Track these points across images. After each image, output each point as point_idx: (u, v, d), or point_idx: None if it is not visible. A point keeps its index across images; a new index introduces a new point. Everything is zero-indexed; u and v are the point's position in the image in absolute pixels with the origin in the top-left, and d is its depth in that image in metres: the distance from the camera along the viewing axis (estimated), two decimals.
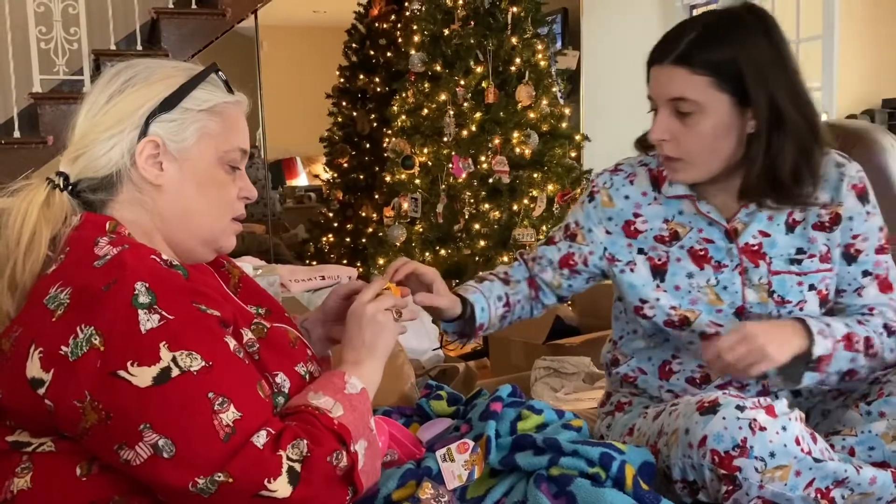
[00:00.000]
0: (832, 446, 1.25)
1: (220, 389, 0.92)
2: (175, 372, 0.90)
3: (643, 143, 1.48)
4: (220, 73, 1.11)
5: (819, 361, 1.29)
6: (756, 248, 1.39)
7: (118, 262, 0.93)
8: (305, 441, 0.94)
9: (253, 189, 1.13)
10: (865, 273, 1.39)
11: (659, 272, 1.43)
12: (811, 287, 1.38)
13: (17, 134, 3.98)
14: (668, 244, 1.42)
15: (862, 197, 1.38)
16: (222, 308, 1.00)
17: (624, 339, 1.56)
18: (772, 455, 1.11)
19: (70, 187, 1.04)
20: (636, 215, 1.45)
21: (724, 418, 1.13)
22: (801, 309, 1.38)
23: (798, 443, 1.13)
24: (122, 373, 0.88)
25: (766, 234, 1.39)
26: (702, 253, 1.41)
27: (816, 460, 1.13)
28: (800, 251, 1.38)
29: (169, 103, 1.04)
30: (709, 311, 1.39)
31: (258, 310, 1.18)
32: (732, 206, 1.40)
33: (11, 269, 1.00)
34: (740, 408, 1.13)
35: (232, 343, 0.98)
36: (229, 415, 0.91)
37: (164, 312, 0.91)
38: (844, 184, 1.37)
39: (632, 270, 1.44)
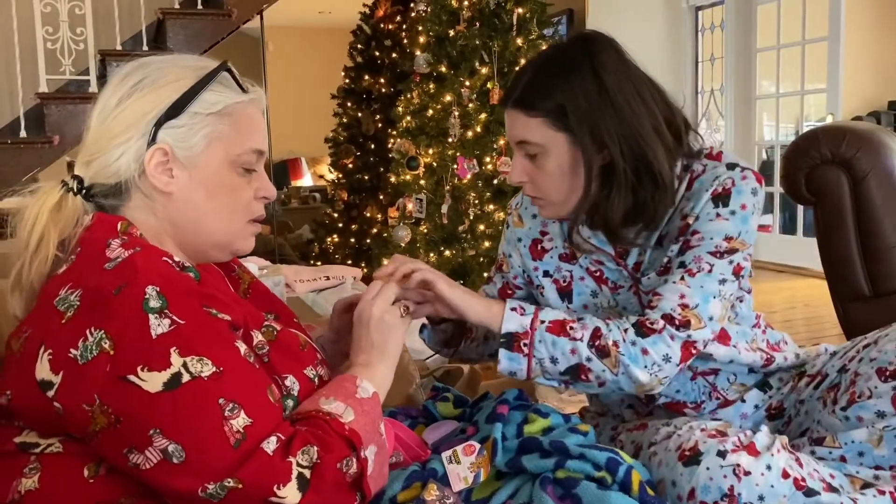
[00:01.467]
0: (821, 459, 1.24)
1: (231, 395, 0.91)
2: (185, 377, 0.89)
3: None
4: (230, 70, 1.08)
5: (513, 339, 1.23)
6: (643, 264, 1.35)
7: (129, 265, 0.93)
8: (315, 447, 0.94)
9: (271, 188, 1.11)
10: (681, 264, 1.27)
11: (566, 294, 1.42)
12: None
13: (23, 134, 3.99)
14: (570, 262, 1.41)
15: (718, 199, 1.27)
16: (233, 311, 1.00)
17: None
18: (761, 498, 1.10)
19: (84, 191, 1.04)
20: (543, 234, 1.45)
21: (707, 468, 1.12)
22: None
23: (786, 475, 1.12)
24: (131, 377, 0.88)
25: (644, 251, 1.34)
26: (597, 274, 1.39)
27: (809, 493, 1.12)
28: (666, 267, 1.31)
29: (176, 108, 1.02)
30: None
31: (268, 315, 1.17)
32: None
33: (19, 269, 1.01)
34: (722, 454, 1.13)
35: (242, 348, 0.98)
36: (240, 421, 0.90)
37: (174, 317, 0.91)
38: (708, 192, 1.27)
39: (542, 294, 1.44)
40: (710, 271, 1.24)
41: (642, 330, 1.22)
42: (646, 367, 1.21)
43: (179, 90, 1.03)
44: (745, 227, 1.26)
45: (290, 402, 1.03)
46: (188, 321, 0.92)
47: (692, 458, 1.15)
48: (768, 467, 1.12)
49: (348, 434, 0.97)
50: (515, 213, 1.50)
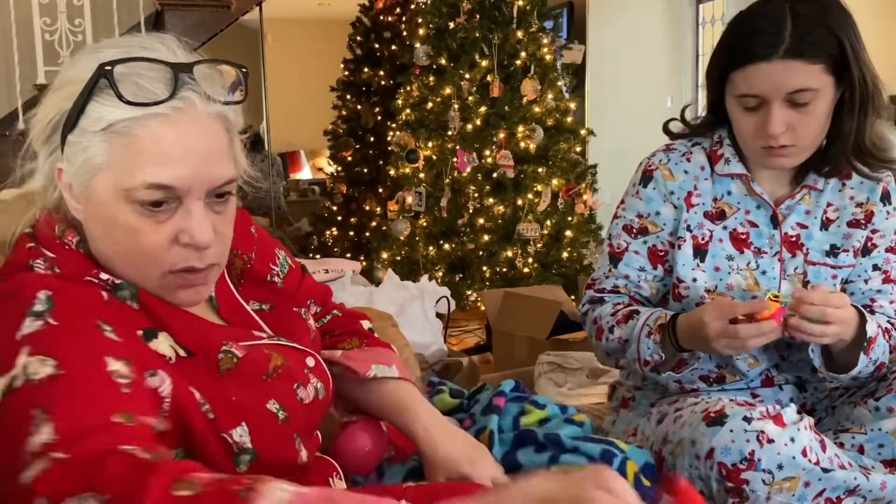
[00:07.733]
0: (841, 444, 1.25)
1: (50, 404, 0.71)
2: (19, 382, 0.73)
3: (670, 130, 1.51)
4: (113, 74, 0.78)
5: (869, 343, 1.29)
6: (794, 238, 1.39)
7: (21, 284, 0.81)
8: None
9: (197, 231, 0.82)
10: (875, 267, 1.41)
11: (700, 251, 1.42)
12: (844, 281, 1.41)
13: (21, 125, 3.98)
14: (713, 222, 1.42)
15: (886, 197, 1.42)
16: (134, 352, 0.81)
17: None
18: (780, 467, 1.11)
19: None
20: (694, 188, 1.44)
21: (731, 430, 1.13)
22: None
23: (805, 454, 1.12)
24: None
25: (803, 227, 1.40)
26: (743, 237, 1.41)
27: (825, 470, 1.13)
28: (833, 247, 1.40)
29: (71, 119, 0.80)
30: (742, 297, 1.37)
31: (261, 306, 1.01)
32: (778, 192, 1.42)
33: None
34: (747, 419, 1.13)
35: (114, 365, 0.77)
36: (41, 436, 0.69)
37: (50, 319, 0.77)
38: (879, 186, 1.41)
39: (679, 247, 1.43)
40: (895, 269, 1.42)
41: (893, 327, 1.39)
42: None
43: (73, 95, 0.81)
44: None
45: (245, 457, 0.86)
46: (61, 323, 0.77)
47: (717, 419, 1.16)
48: (792, 439, 1.12)
49: None
50: (664, 167, 1.45)
